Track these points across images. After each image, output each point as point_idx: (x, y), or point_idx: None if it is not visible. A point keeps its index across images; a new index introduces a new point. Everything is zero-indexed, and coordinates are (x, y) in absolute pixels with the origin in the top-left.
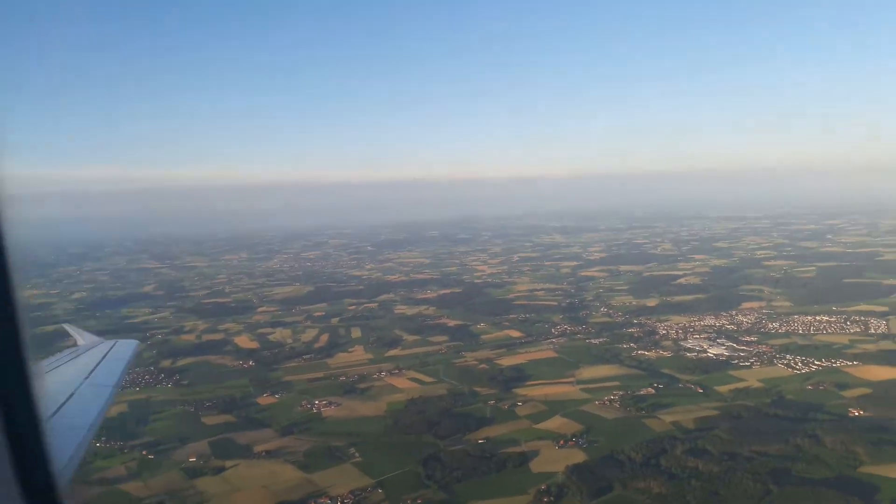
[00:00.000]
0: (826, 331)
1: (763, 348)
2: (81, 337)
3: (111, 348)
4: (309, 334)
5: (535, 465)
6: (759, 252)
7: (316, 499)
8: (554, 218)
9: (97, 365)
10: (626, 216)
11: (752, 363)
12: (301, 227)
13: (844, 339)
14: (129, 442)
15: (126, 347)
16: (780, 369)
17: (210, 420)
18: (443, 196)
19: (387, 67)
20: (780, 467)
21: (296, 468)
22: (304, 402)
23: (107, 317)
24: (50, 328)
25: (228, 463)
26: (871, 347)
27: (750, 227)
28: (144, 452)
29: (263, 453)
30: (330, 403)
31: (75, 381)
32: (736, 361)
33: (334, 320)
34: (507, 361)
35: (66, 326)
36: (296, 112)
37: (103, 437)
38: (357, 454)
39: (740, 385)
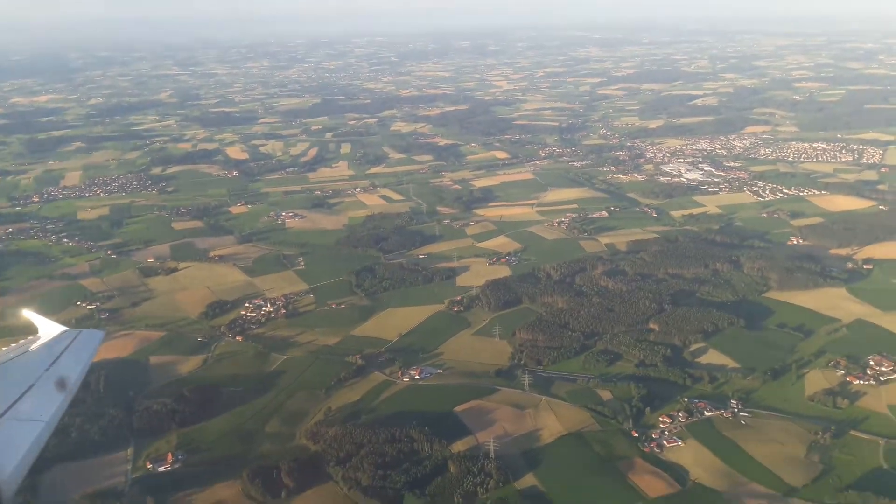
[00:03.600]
0: (817, 159)
1: (740, 175)
2: (44, 325)
3: (74, 339)
4: (299, 147)
5: (461, 280)
6: (795, 72)
7: (251, 300)
8: (600, 29)
9: (58, 357)
10: (676, 29)
11: (720, 189)
12: (331, 33)
13: (829, 168)
14: (99, 242)
15: (90, 338)
16: (745, 196)
17: (179, 225)
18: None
19: None
20: (687, 289)
21: (242, 272)
22: (271, 213)
23: (114, 123)
24: (58, 133)
25: (182, 265)
26: (850, 177)
27: (801, 45)
28: (109, 252)
29: (217, 258)
30: (296, 215)
31: (33, 374)
32: (706, 187)
33: (329, 135)
34: (482, 182)
35: (27, 313)
36: None
37: (76, 237)
38: (303, 263)
39: (696, 210)
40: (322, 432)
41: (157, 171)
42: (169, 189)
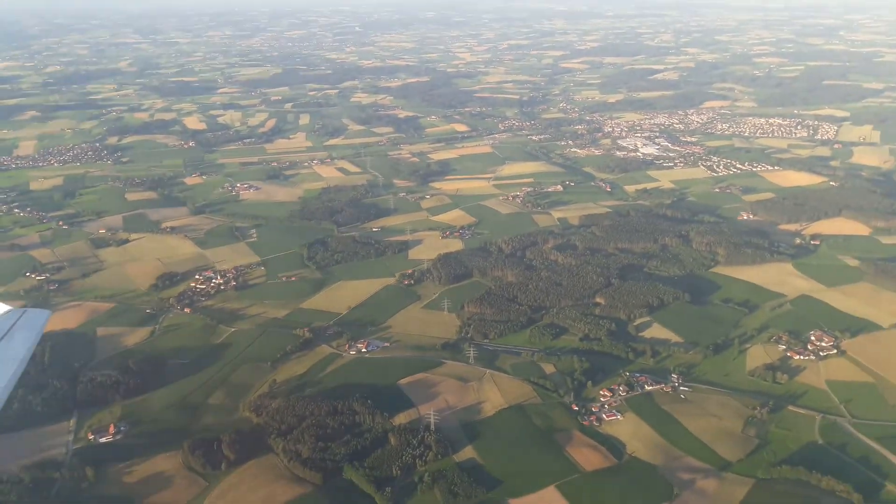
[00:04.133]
0: (773, 134)
1: (696, 149)
2: None
3: (19, 318)
4: (258, 118)
5: (413, 253)
6: (756, 48)
7: (202, 272)
8: (567, 1)
9: (1, 338)
10: (642, 2)
11: (675, 164)
12: (296, 2)
13: (784, 144)
14: (51, 213)
15: (36, 317)
16: (699, 171)
17: (133, 196)
18: None
19: None
20: (635, 264)
21: (194, 244)
22: (226, 185)
23: (71, 92)
24: (12, 102)
25: (134, 236)
26: (803, 153)
27: (764, 20)
28: (61, 223)
29: (169, 229)
30: (251, 187)
31: None
32: (661, 161)
33: (288, 105)
34: (440, 156)
35: None
36: None
37: (27, 208)
38: (255, 235)
39: (650, 185)
40: (265, 405)
41: (112, 140)
42: (124, 159)
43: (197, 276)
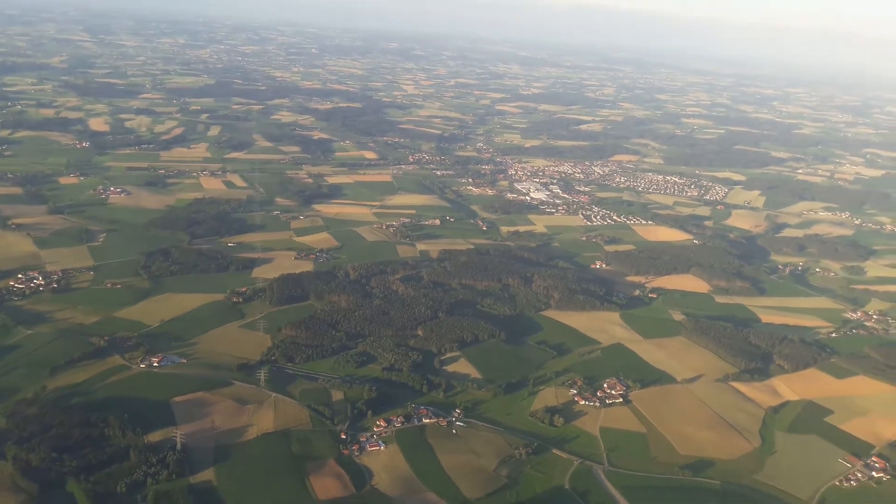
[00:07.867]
0: (665, 191)
1: (583, 199)
2: None
3: None
4: (166, 125)
5: (258, 272)
6: (688, 108)
7: (27, 271)
8: (533, 48)
9: None
10: (604, 56)
11: (557, 210)
12: (263, 20)
13: (670, 201)
14: None
15: None
16: (576, 219)
17: None
18: (447, 12)
19: None
20: (470, 300)
21: (33, 243)
22: (99, 188)
23: None
24: None
25: None
26: (685, 211)
27: (708, 84)
28: None
29: (15, 226)
30: (123, 192)
31: None
32: (545, 207)
33: (203, 116)
34: (336, 180)
35: None
36: None
37: None
38: (102, 239)
39: (524, 228)
40: (21, 410)
41: (4, 133)
42: (7, 153)
43: (19, 276)
